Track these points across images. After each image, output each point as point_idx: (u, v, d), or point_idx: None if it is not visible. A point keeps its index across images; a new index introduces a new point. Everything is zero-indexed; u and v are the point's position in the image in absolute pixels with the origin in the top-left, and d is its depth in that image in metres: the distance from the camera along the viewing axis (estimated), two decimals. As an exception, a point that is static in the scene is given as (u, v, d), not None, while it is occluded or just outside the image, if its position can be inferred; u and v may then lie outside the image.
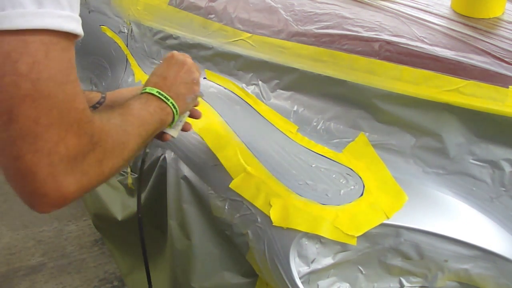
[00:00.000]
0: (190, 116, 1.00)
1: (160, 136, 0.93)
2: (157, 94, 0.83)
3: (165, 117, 0.84)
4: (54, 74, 0.58)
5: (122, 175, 1.65)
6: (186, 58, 0.94)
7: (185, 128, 0.99)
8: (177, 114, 0.87)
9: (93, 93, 1.03)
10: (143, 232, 1.31)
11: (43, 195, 0.60)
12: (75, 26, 0.61)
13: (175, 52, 0.95)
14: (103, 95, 1.02)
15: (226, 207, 1.05)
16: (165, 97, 0.84)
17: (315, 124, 1.13)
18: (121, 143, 0.70)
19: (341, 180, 0.99)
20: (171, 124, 0.89)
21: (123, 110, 0.76)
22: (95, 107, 0.99)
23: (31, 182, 0.58)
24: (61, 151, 0.59)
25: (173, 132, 0.95)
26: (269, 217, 0.94)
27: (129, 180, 1.60)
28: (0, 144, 0.57)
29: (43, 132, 0.57)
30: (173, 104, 0.85)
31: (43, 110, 0.57)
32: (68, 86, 0.59)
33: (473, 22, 1.14)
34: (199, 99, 1.00)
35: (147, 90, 0.84)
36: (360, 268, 0.96)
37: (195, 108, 0.99)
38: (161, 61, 0.93)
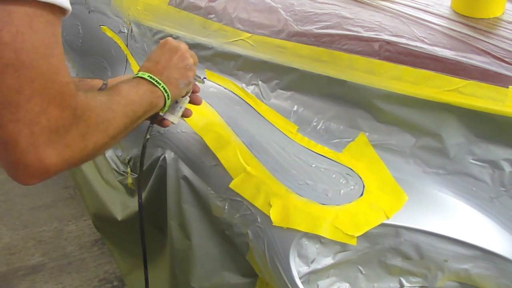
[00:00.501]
0: (191, 102, 1.00)
1: (161, 122, 0.95)
2: (148, 78, 0.85)
3: (156, 100, 0.85)
4: (38, 45, 0.58)
5: (122, 175, 1.65)
6: (180, 44, 0.95)
7: (186, 114, 0.99)
8: (168, 98, 0.88)
9: (95, 80, 1.03)
10: (144, 232, 1.32)
11: (25, 166, 0.61)
12: (62, 0, 0.60)
13: (169, 38, 0.97)
14: (105, 82, 1.03)
15: (226, 207, 1.05)
16: (156, 81, 0.85)
17: (315, 124, 1.13)
18: (106, 120, 0.70)
19: (341, 180, 0.99)
20: (163, 109, 0.89)
21: (111, 90, 0.77)
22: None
23: (13, 152, 0.60)
24: (43, 122, 0.59)
25: (173, 119, 0.96)
26: (269, 217, 0.94)
27: (129, 180, 1.60)
28: None
29: (25, 102, 0.58)
30: (164, 88, 0.86)
31: (25, 80, 0.57)
32: (52, 59, 0.60)
33: (473, 22, 1.14)
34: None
35: (139, 75, 0.86)
36: (360, 268, 0.96)
37: (196, 94, 1.00)
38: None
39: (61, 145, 0.62)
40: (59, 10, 0.60)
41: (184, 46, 0.95)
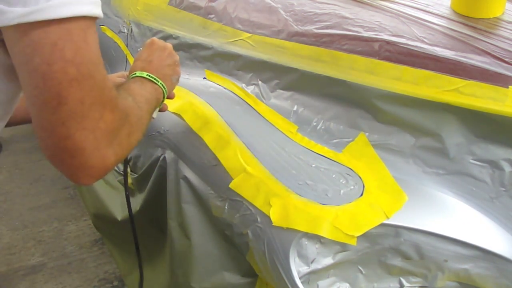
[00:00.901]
0: (167, 97, 1.06)
1: None
2: (147, 77, 0.90)
3: (159, 96, 0.92)
4: (92, 56, 0.64)
5: (122, 175, 1.65)
6: (166, 43, 1.02)
7: (162, 109, 1.04)
8: (166, 93, 0.94)
9: None
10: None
11: (90, 167, 0.66)
12: (100, 10, 0.66)
13: (154, 38, 1.03)
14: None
15: (226, 207, 1.05)
16: (155, 79, 0.91)
17: (315, 124, 1.13)
18: (140, 118, 0.77)
19: (341, 180, 0.99)
20: (160, 105, 0.95)
21: (127, 91, 0.81)
22: None
23: (80, 157, 0.65)
24: (102, 126, 0.65)
25: (154, 114, 1.00)
26: (269, 217, 0.94)
27: (129, 180, 1.60)
28: (48, 126, 0.63)
29: (88, 111, 0.64)
30: (162, 85, 0.92)
31: (86, 91, 0.63)
32: (101, 66, 0.66)
33: (473, 22, 1.14)
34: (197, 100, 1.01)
35: (137, 74, 0.90)
36: (360, 268, 0.96)
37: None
38: (141, 48, 1.00)
39: (116, 145, 0.68)
40: (96, 18, 0.66)
41: (170, 45, 1.02)
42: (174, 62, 1.00)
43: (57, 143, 0.63)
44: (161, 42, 1.02)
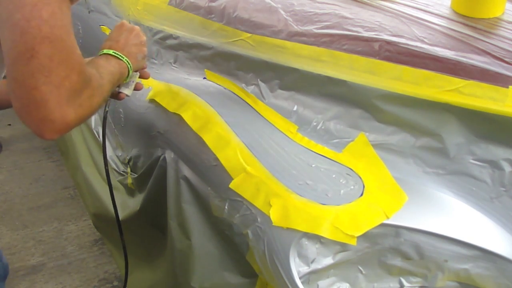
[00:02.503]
0: (140, 76, 1.17)
1: (116, 95, 1.12)
2: (113, 53, 1.01)
3: (123, 70, 1.02)
4: (65, 23, 0.75)
5: (122, 175, 1.65)
6: (134, 26, 1.13)
7: (137, 87, 1.15)
8: (131, 69, 1.05)
9: None
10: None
11: (51, 121, 0.74)
12: None
13: (124, 21, 1.15)
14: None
15: (226, 207, 1.05)
16: (120, 55, 1.02)
17: (315, 124, 1.13)
18: (101, 85, 0.87)
19: (341, 180, 0.99)
20: (126, 79, 1.05)
21: (92, 64, 0.92)
22: None
23: (43, 110, 0.73)
24: (67, 85, 0.74)
25: (127, 91, 1.12)
26: (269, 217, 0.94)
27: (129, 180, 1.60)
28: (20, 77, 0.72)
29: (55, 67, 0.73)
30: (127, 61, 1.03)
31: (56, 50, 0.73)
32: (72, 36, 0.76)
33: (473, 22, 1.14)
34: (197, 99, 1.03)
35: (104, 52, 1.01)
36: (360, 268, 0.96)
37: (145, 70, 1.17)
38: (111, 30, 1.13)
39: (77, 105, 0.77)
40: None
41: (137, 27, 1.13)
42: (140, 42, 1.10)
43: (25, 93, 0.73)
44: (130, 25, 1.13)
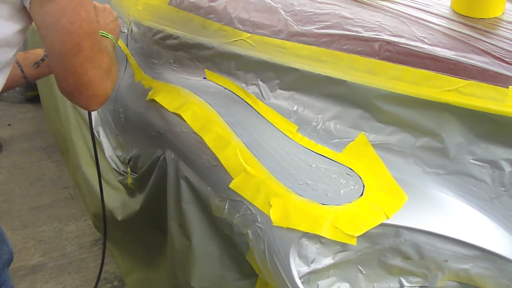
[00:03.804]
0: None
1: None
2: (101, 34, 1.13)
3: (113, 46, 1.19)
4: (94, 17, 0.92)
5: (122, 175, 1.65)
6: (105, 5, 1.29)
7: None
8: (115, 42, 1.22)
9: (37, 50, 1.32)
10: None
11: (98, 96, 0.95)
12: None
13: (94, 2, 1.24)
14: (48, 59, 1.28)
15: (226, 207, 1.05)
16: (106, 34, 1.18)
17: (315, 124, 1.13)
18: (115, 61, 1.07)
19: (341, 180, 0.99)
20: None
21: None
22: (38, 63, 1.29)
23: (92, 89, 0.93)
24: (103, 66, 0.94)
25: None
26: (269, 217, 0.94)
27: (129, 180, 1.60)
28: (71, 67, 0.90)
29: (96, 55, 0.92)
30: (112, 38, 1.20)
31: (94, 41, 0.91)
32: (97, 25, 0.95)
33: (473, 22, 1.14)
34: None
35: None
36: (360, 268, 0.96)
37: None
38: None
39: (110, 80, 0.98)
40: None
41: (107, 5, 1.29)
42: (115, 18, 1.28)
43: (77, 79, 0.91)
44: (101, 5, 1.27)
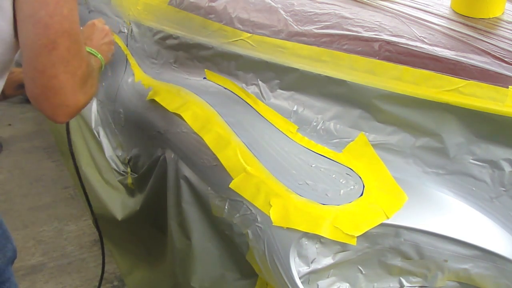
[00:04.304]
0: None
1: None
2: (89, 51, 1.12)
3: (98, 66, 1.14)
4: (77, 20, 0.85)
5: (122, 175, 1.65)
6: (104, 26, 1.26)
7: None
8: (103, 65, 1.16)
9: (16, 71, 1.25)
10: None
11: (66, 106, 0.85)
12: None
13: (95, 20, 1.27)
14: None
15: (226, 207, 1.05)
16: (95, 52, 1.14)
17: (315, 124, 1.13)
18: (95, 77, 0.98)
19: (341, 180, 0.99)
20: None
21: None
22: (21, 86, 1.20)
23: (60, 96, 0.84)
24: (79, 74, 0.86)
25: None
26: (269, 217, 0.94)
27: (129, 180, 1.60)
28: (41, 67, 0.82)
29: (72, 58, 0.83)
30: (101, 57, 1.15)
31: (72, 43, 0.83)
32: (80, 31, 0.86)
33: (473, 22, 1.14)
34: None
35: None
36: (360, 268, 0.96)
37: None
38: (82, 28, 1.22)
39: (84, 92, 0.88)
40: None
41: (108, 28, 1.27)
42: (110, 42, 1.24)
43: (46, 81, 0.82)
44: (101, 24, 1.25)
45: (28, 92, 0.85)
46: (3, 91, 1.21)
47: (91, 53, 1.12)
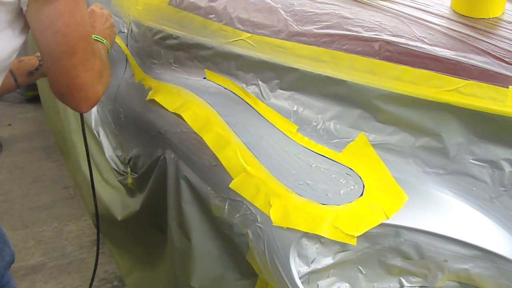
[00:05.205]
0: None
1: None
2: (95, 38, 1.20)
3: (106, 51, 1.23)
4: (88, 21, 0.93)
5: (122, 175, 1.65)
6: (102, 10, 1.33)
7: None
8: (109, 49, 1.26)
9: (32, 59, 1.31)
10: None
11: (89, 98, 0.97)
12: None
13: (93, 7, 1.33)
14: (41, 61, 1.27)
15: (226, 207, 1.05)
16: (100, 39, 1.23)
17: (315, 124, 1.13)
18: (107, 66, 1.08)
19: (341, 180, 0.99)
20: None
21: None
22: (31, 73, 1.30)
23: (84, 91, 0.95)
24: (96, 69, 0.96)
25: None
26: (269, 217, 0.94)
27: (129, 180, 1.60)
28: (64, 70, 0.91)
29: (89, 57, 0.94)
30: (106, 42, 1.24)
31: (87, 44, 0.93)
32: (91, 31, 0.96)
33: (473, 22, 1.14)
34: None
35: None
36: (360, 268, 0.96)
37: None
38: None
39: (101, 83, 1.00)
40: None
41: (107, 12, 1.34)
42: (111, 25, 1.32)
43: (69, 81, 0.93)
44: (99, 10, 1.32)
45: (53, 90, 0.95)
46: (15, 80, 1.29)
47: (97, 40, 1.20)
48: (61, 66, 0.91)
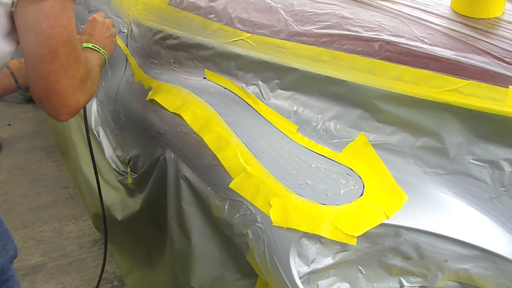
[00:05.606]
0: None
1: None
2: (92, 47, 1.18)
3: (102, 61, 1.20)
4: (75, 28, 0.90)
5: (122, 175, 1.65)
6: (105, 19, 1.31)
7: None
8: (107, 59, 1.22)
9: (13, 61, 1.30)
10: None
11: (68, 106, 0.93)
12: None
13: (95, 15, 1.31)
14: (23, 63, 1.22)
15: (226, 207, 1.05)
16: (98, 48, 1.19)
17: (315, 124, 1.13)
18: (96, 75, 1.04)
19: (341, 180, 0.99)
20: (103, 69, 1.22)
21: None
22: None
23: (63, 98, 0.91)
24: (78, 76, 0.92)
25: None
26: (269, 217, 0.94)
27: (129, 180, 1.60)
28: (44, 73, 0.88)
29: (71, 64, 0.90)
30: (104, 52, 1.20)
31: (71, 50, 0.89)
32: (77, 38, 0.92)
33: (473, 22, 1.14)
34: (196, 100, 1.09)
35: (84, 46, 1.17)
36: (360, 268, 0.96)
37: None
38: (82, 26, 1.28)
39: (84, 92, 0.95)
40: None
41: (109, 20, 1.31)
42: (111, 35, 1.28)
43: (49, 86, 0.89)
44: (101, 18, 1.29)
45: (32, 94, 0.92)
46: (16, 81, 1.30)
47: (95, 49, 1.17)
48: (42, 69, 0.87)
